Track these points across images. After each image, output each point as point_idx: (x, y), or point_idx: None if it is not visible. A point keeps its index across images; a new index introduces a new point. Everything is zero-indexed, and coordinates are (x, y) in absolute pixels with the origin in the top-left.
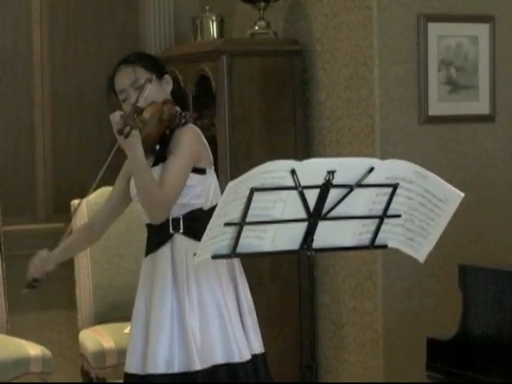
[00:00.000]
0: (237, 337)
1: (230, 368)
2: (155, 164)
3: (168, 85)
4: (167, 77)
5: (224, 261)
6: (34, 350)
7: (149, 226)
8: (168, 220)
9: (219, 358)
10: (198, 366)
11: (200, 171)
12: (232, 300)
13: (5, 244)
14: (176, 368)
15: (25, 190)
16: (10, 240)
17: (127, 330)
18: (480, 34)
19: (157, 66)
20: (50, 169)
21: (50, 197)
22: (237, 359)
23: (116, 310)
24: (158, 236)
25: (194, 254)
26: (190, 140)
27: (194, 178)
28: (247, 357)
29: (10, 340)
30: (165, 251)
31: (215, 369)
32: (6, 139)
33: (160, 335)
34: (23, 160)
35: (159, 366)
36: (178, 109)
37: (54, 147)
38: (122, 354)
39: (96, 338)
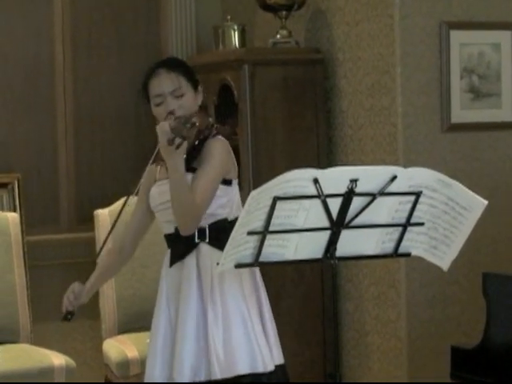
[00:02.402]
0: (261, 347)
1: (254, 378)
2: None
3: (200, 95)
4: (200, 88)
5: (247, 271)
6: (57, 359)
7: (170, 236)
8: None
9: (243, 369)
10: (217, 375)
11: (227, 182)
12: (255, 310)
13: (28, 254)
14: (203, 377)
15: (48, 200)
16: (34, 250)
17: None
18: (502, 41)
19: (194, 77)
20: (73, 179)
21: (72, 207)
22: (261, 369)
23: (139, 320)
24: (183, 245)
25: (218, 263)
26: (221, 151)
27: (221, 189)
28: (271, 367)
29: (34, 350)
30: (190, 260)
31: (238, 379)
32: (29, 150)
33: (186, 343)
34: (46, 171)
35: (185, 374)
36: (210, 120)
37: (77, 158)
38: (145, 363)
39: (120, 348)
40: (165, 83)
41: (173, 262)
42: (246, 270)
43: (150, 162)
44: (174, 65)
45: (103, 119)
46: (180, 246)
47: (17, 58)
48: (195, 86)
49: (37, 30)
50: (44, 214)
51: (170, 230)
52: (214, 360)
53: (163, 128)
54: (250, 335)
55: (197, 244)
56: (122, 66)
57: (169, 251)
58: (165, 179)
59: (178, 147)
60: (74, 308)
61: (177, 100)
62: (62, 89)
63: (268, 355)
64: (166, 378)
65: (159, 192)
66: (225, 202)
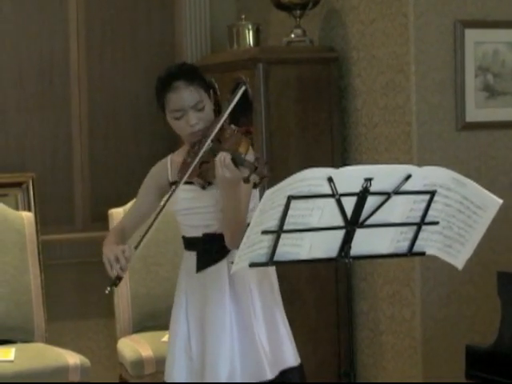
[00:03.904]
0: (293, 342)
1: (293, 371)
2: (210, 183)
3: (212, 99)
4: (211, 92)
5: (274, 273)
6: (72, 358)
7: (197, 240)
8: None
9: (286, 363)
10: (269, 375)
11: (254, 185)
12: (282, 307)
13: (43, 253)
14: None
15: (63, 199)
16: (49, 249)
17: (165, 339)
18: None
19: (207, 83)
20: (88, 178)
21: (87, 206)
22: (295, 363)
23: (154, 319)
24: (214, 251)
25: (232, 262)
26: None
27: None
28: (299, 360)
29: (49, 349)
30: (221, 267)
31: (282, 374)
32: (43, 149)
33: (220, 350)
34: (61, 170)
35: (221, 380)
36: (232, 126)
37: (92, 157)
38: (160, 362)
39: (134, 347)
40: (186, 98)
41: (202, 267)
42: (273, 272)
43: (186, 176)
44: (192, 76)
45: (118, 118)
46: (211, 251)
47: (31, 56)
48: (209, 93)
49: (51, 29)
50: (58, 213)
51: (197, 233)
52: (264, 363)
53: (226, 162)
54: (288, 331)
55: (229, 251)
56: (137, 65)
57: (191, 254)
58: (190, 183)
59: (248, 182)
60: (125, 273)
61: (198, 113)
62: (76, 88)
63: (296, 349)
64: (189, 379)
65: (188, 198)
66: (253, 206)
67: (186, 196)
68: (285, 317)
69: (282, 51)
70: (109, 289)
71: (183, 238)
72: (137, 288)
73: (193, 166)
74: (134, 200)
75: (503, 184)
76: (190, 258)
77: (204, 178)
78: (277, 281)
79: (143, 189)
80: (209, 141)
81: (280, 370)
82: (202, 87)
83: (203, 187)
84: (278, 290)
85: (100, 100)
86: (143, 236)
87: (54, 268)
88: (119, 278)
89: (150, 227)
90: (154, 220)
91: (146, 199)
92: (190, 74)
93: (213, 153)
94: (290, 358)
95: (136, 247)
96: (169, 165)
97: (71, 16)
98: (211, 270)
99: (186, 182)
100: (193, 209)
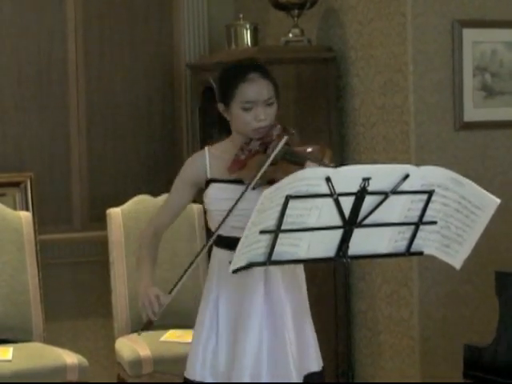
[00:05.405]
0: (317, 345)
1: (314, 377)
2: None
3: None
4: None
5: (303, 273)
6: (70, 358)
7: (234, 240)
8: None
9: (310, 368)
10: (294, 379)
11: None
12: (309, 310)
13: (41, 253)
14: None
15: (61, 199)
16: (47, 249)
17: (163, 338)
18: None
19: (277, 86)
20: (86, 178)
21: (85, 206)
22: (318, 368)
23: None
24: None
25: (230, 262)
26: None
27: None
28: (322, 364)
29: (47, 348)
30: (257, 268)
31: (306, 378)
32: (42, 149)
33: (247, 351)
34: (59, 169)
35: (245, 379)
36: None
37: (90, 156)
38: (158, 362)
39: (132, 346)
40: (260, 90)
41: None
42: (301, 273)
43: (253, 184)
44: (265, 70)
45: (116, 118)
46: None
47: (30, 56)
48: (277, 95)
49: (49, 29)
50: (57, 213)
51: (236, 234)
52: (291, 365)
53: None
54: (314, 335)
55: None
56: (135, 65)
57: (225, 252)
58: (233, 183)
59: None
60: (156, 318)
61: (267, 108)
62: (74, 87)
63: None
64: (213, 379)
65: (229, 198)
66: None
67: (227, 196)
68: (311, 321)
69: (279, 51)
70: (140, 332)
71: (218, 236)
72: (135, 287)
73: (265, 166)
74: (167, 196)
75: (501, 184)
76: (226, 256)
77: (264, 178)
78: (305, 283)
79: (178, 184)
80: (282, 143)
81: (304, 375)
82: (273, 84)
83: (253, 188)
84: (306, 292)
85: (98, 100)
86: (178, 281)
87: (52, 268)
88: (151, 323)
89: (186, 271)
90: (191, 264)
91: (181, 194)
92: (263, 68)
93: (288, 156)
94: (314, 362)
95: (170, 292)
96: (207, 160)
97: (69, 16)
98: (247, 271)
99: (228, 181)
100: (242, 209)
